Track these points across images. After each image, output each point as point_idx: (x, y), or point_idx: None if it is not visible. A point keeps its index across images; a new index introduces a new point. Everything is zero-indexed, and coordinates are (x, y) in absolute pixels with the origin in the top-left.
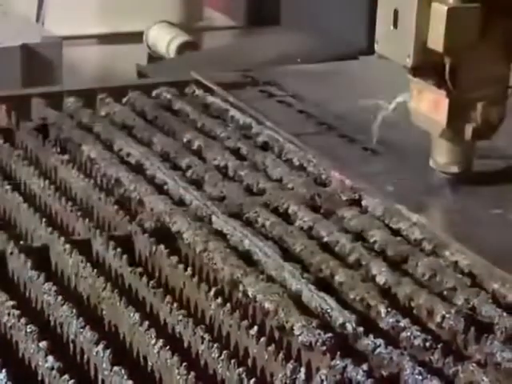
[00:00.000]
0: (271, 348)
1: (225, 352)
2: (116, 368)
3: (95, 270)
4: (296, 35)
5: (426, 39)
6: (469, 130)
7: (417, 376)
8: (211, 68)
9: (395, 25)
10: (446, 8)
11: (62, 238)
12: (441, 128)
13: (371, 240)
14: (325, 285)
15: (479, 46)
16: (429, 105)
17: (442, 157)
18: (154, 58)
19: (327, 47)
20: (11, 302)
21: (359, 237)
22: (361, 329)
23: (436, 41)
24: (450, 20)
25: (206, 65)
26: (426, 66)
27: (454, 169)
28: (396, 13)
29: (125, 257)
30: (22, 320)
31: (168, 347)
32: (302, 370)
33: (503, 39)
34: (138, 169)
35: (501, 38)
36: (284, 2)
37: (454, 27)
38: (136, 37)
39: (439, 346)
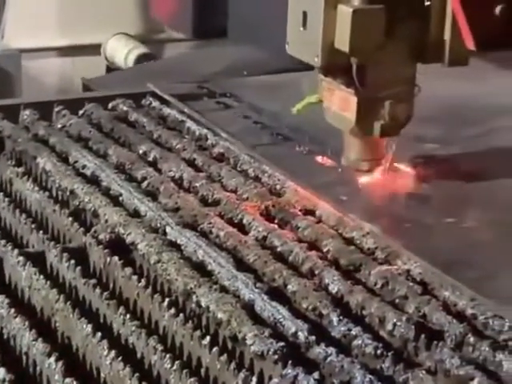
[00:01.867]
0: (223, 358)
1: (177, 362)
2: (68, 380)
3: (48, 282)
4: (242, 48)
5: (334, 40)
6: (377, 127)
7: None
8: (153, 81)
9: (304, 26)
10: (350, 10)
11: (16, 251)
12: (350, 125)
13: (324, 249)
14: (278, 294)
15: (385, 46)
16: (339, 103)
17: (353, 153)
18: (112, 69)
19: (273, 59)
20: None
21: (313, 246)
22: (313, 337)
23: (342, 42)
24: (354, 21)
25: (151, 77)
26: (335, 66)
27: (364, 166)
28: (305, 14)
29: (78, 268)
30: None
31: (120, 358)
32: (254, 379)
33: (409, 39)
34: (93, 181)
35: (406, 38)
36: (231, 15)
37: (359, 28)
38: (97, 49)
39: (390, 353)
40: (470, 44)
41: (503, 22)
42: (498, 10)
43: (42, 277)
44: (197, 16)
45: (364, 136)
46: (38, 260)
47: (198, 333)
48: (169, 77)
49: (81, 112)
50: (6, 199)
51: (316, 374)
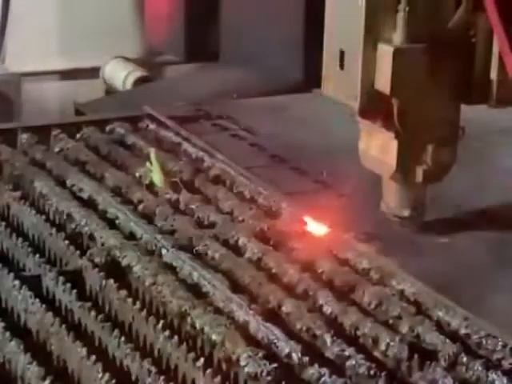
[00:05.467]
0: (218, 379)
1: None
2: None
3: (44, 306)
4: (234, 71)
5: (373, 81)
6: (419, 173)
7: None
8: (145, 104)
9: (341, 66)
10: (392, 49)
11: (12, 274)
12: (391, 170)
13: (319, 270)
14: (272, 315)
15: (427, 87)
16: (378, 147)
17: (393, 200)
18: (111, 92)
19: (264, 82)
20: None
21: (308, 267)
22: (306, 358)
23: (383, 82)
24: (396, 61)
25: (143, 101)
26: (374, 108)
27: (406, 212)
28: (342, 54)
29: (74, 292)
30: None
31: (115, 381)
32: None
33: (452, 80)
34: (89, 204)
35: (449, 78)
36: (223, 39)
37: (400, 68)
38: (96, 72)
39: (383, 373)
40: None
41: None
42: None
43: (37, 300)
44: (189, 40)
45: (405, 182)
46: (34, 283)
47: (192, 354)
48: (160, 100)
49: (78, 136)
50: (3, 223)
51: None
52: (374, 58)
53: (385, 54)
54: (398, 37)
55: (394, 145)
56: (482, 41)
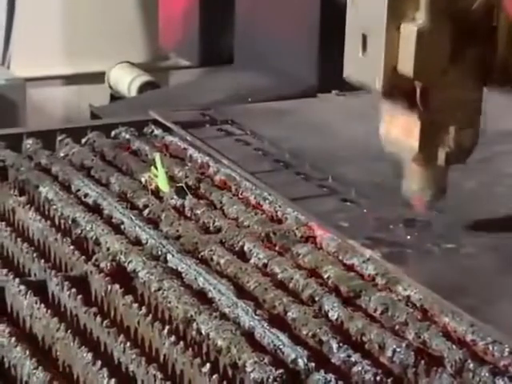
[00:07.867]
0: None
1: None
2: None
3: (49, 311)
4: (248, 74)
5: (396, 63)
6: (442, 155)
7: None
8: (161, 108)
9: (364, 49)
10: (415, 28)
11: (17, 280)
12: (413, 153)
13: (325, 276)
14: (278, 321)
15: (451, 68)
16: (400, 129)
17: (415, 182)
18: (116, 98)
19: (279, 86)
20: None
21: (313, 273)
22: (312, 364)
23: (406, 64)
24: (419, 41)
25: (158, 105)
26: (397, 90)
27: (428, 194)
28: (364, 37)
29: (79, 297)
30: None
31: None
32: None
33: (474, 62)
34: (95, 209)
35: (473, 60)
36: (238, 42)
37: (423, 49)
38: (102, 77)
39: (389, 380)
40: None
41: None
42: None
43: (43, 306)
44: (203, 43)
45: (428, 164)
46: (39, 289)
47: (197, 360)
48: (176, 104)
49: (83, 140)
50: (9, 228)
51: None
52: (397, 39)
53: (408, 34)
54: (421, 17)
55: (416, 127)
56: (504, 23)
